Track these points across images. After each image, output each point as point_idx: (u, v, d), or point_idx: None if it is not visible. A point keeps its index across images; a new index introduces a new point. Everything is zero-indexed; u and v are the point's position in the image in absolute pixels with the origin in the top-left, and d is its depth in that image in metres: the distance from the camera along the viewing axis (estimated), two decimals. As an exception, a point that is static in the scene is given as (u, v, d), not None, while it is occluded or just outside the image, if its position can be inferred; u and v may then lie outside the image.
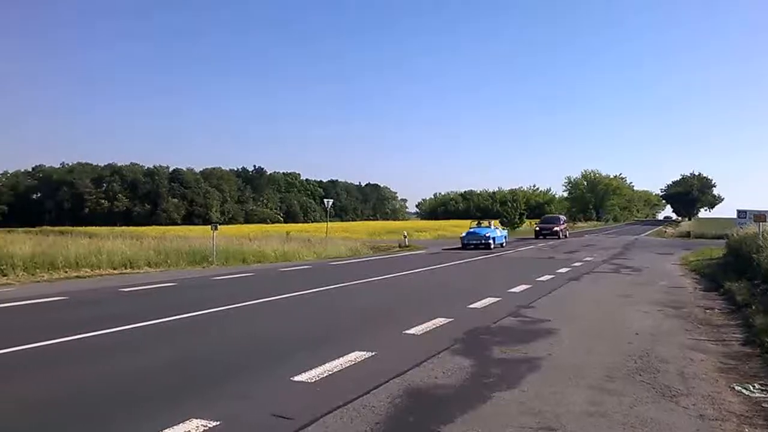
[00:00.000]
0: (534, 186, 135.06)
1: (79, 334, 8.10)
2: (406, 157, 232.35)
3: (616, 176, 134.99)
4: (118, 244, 21.15)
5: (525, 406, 4.98)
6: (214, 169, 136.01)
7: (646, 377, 6.05)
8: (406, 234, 39.09)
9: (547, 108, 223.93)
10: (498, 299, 11.78)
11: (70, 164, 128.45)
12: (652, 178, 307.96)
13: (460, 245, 32.39)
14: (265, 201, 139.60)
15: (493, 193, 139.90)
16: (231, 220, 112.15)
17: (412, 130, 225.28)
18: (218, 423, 4.52)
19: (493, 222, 34.11)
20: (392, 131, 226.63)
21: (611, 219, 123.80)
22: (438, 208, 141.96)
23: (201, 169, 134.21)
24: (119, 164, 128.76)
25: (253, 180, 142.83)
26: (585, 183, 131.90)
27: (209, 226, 25.59)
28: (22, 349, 7.19)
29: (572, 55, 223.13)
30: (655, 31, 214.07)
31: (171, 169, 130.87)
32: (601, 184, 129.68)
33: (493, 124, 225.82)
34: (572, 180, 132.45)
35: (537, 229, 48.11)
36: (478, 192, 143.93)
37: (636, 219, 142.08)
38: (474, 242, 31.35)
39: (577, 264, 21.77)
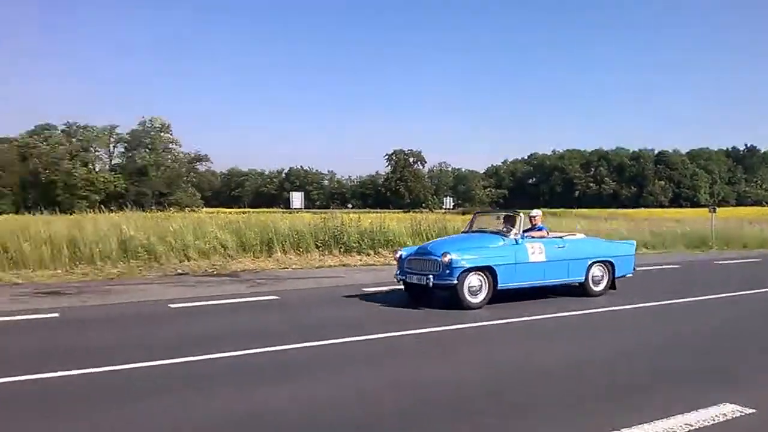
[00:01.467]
0: None
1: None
2: None
3: None
4: (614, 225, 22.70)
5: None
6: (701, 149, 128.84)
7: None
8: None
9: None
10: None
11: (560, 151, 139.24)
12: None
13: None
14: (759, 182, 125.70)
15: None
16: (721, 202, 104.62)
17: None
18: (753, 411, 4.53)
19: (538, 216, 10.61)
20: None
21: None
22: None
23: (687, 150, 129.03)
24: (605, 149, 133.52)
25: (744, 159, 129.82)
26: None
27: (704, 209, 24.94)
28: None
29: None
30: None
31: (656, 152, 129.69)
32: None
33: None
34: None
35: None
36: None
37: None
38: (415, 275, 9.39)
39: None
